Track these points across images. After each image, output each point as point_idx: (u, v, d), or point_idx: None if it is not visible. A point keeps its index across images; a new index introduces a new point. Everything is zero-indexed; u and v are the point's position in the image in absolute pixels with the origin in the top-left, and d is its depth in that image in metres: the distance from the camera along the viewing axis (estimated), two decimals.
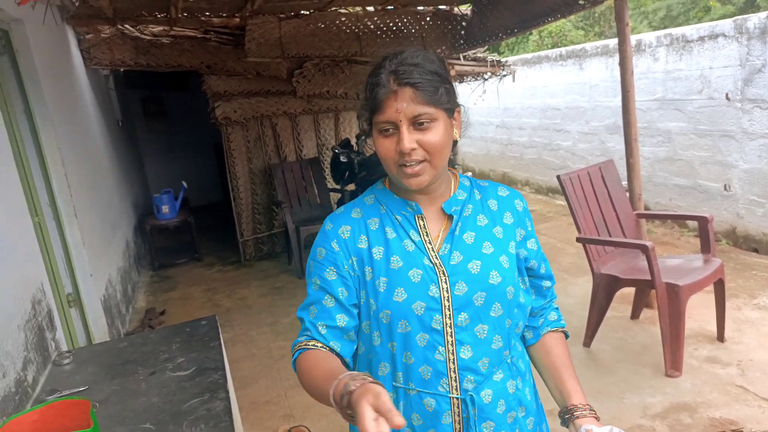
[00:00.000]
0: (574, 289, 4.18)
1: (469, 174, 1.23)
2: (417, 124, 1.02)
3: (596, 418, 1.08)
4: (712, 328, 3.30)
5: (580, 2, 4.11)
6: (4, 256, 2.11)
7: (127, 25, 4.98)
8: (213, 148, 8.82)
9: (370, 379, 0.86)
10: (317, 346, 1.09)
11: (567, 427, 1.11)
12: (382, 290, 1.08)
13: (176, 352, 2.56)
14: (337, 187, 5.61)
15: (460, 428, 1.10)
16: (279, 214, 5.93)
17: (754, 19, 4.29)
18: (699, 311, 3.54)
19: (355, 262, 1.11)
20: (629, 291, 3.63)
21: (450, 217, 1.13)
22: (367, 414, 0.77)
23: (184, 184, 6.17)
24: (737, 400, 2.69)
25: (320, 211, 5.57)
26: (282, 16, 5.13)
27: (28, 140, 2.98)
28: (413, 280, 1.08)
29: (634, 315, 3.62)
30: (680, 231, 5.22)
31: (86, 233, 3.46)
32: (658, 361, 3.04)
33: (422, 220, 1.12)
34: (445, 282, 1.08)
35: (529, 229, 1.19)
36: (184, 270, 5.90)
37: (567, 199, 3.26)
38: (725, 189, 4.75)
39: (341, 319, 1.10)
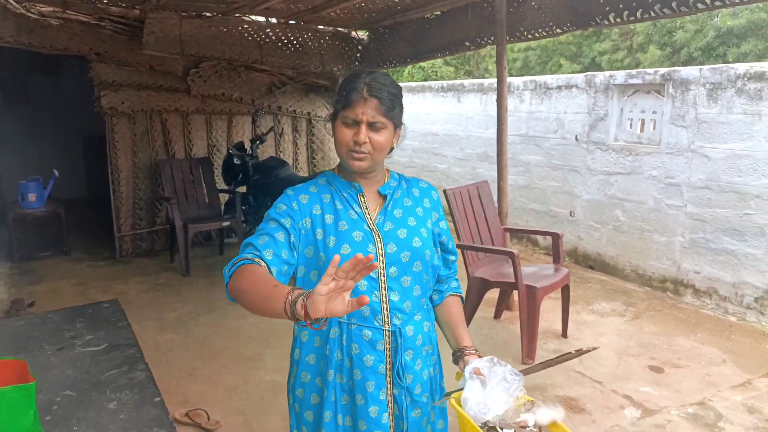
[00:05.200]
0: None
1: None
2: (372, 126, 1.37)
3: (480, 357, 1.44)
4: (558, 327, 3.95)
5: (466, 44, 4.73)
6: None
7: (11, 0, 4.67)
8: (82, 141, 8.27)
9: None
10: (261, 264, 1.28)
11: (457, 364, 1.48)
12: (332, 246, 1.40)
13: (83, 331, 2.57)
14: (228, 188, 5.65)
15: (390, 354, 1.43)
16: (162, 210, 5.81)
17: (600, 76, 5.21)
18: (548, 313, 4.20)
19: (308, 222, 1.42)
20: (494, 296, 4.20)
21: (384, 197, 1.49)
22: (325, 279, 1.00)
23: (56, 172, 5.78)
24: (576, 382, 3.29)
25: (209, 210, 5.53)
26: (184, 14, 5.14)
27: None
28: (356, 240, 1.41)
29: (497, 315, 4.19)
30: (533, 249, 6.03)
31: None
32: (516, 352, 3.58)
33: (363, 197, 1.47)
34: (380, 242, 1.42)
35: (440, 213, 1.59)
36: (49, 264, 5.53)
37: (451, 211, 3.73)
38: (570, 215, 5.62)
39: (286, 254, 1.35)
